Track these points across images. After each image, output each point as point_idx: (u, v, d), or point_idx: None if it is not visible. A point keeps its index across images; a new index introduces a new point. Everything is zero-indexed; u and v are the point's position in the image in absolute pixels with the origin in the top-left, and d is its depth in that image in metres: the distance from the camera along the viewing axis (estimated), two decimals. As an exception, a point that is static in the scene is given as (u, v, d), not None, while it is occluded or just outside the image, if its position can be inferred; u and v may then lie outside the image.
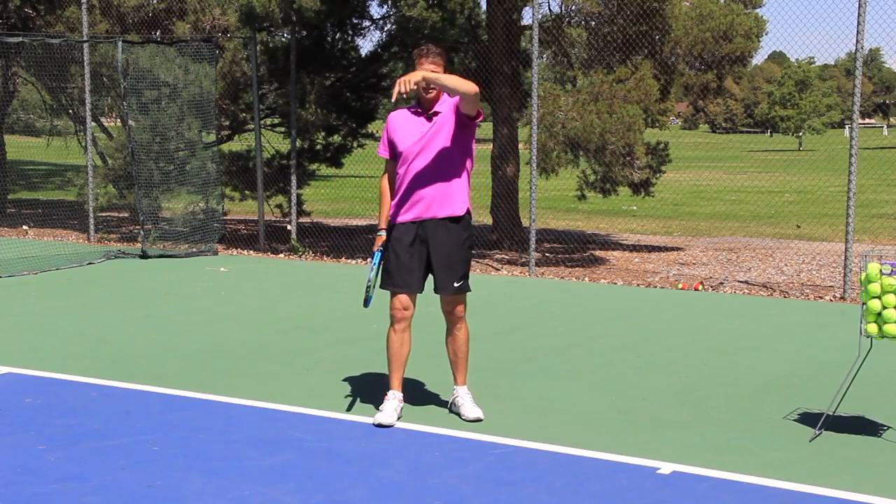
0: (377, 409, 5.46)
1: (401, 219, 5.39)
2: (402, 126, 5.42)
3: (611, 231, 16.27)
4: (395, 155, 5.45)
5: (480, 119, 5.40)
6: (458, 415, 5.48)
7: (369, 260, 5.52)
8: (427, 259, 5.39)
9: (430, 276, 5.47)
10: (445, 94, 5.39)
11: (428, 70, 5.25)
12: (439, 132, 5.33)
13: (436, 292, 5.46)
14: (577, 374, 6.53)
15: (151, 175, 12.63)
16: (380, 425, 5.32)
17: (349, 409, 5.64)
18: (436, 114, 5.36)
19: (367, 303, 5.47)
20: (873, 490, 4.41)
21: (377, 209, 5.69)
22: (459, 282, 5.42)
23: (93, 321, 8.20)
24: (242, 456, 4.83)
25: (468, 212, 5.46)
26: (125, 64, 12.47)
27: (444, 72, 5.32)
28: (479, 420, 5.40)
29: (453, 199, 5.37)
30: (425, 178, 5.32)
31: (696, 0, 12.39)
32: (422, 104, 5.41)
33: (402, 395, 5.49)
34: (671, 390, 6.13)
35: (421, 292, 5.45)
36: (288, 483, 4.47)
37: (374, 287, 5.43)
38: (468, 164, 5.45)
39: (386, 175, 5.56)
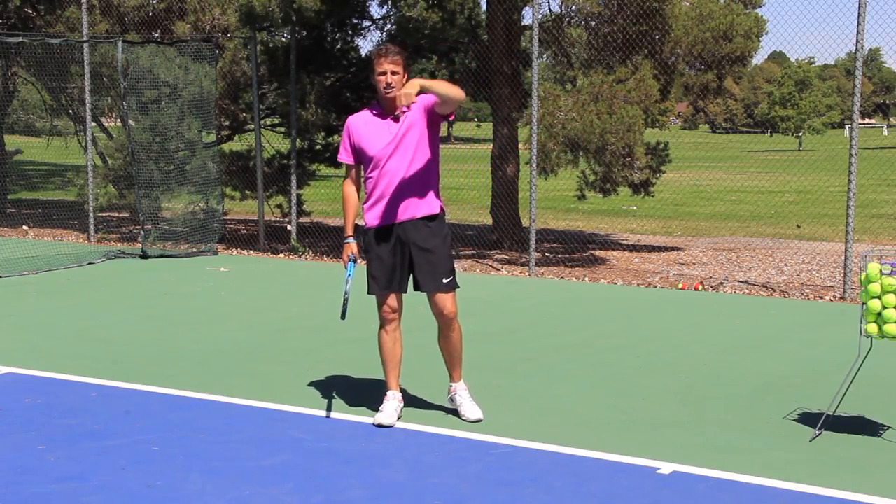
0: (377, 409, 5.47)
1: (378, 223, 5.34)
2: (368, 129, 5.35)
3: (611, 231, 16.27)
4: (359, 160, 5.40)
5: (452, 117, 5.39)
6: (457, 414, 5.48)
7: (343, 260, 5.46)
8: (409, 260, 5.34)
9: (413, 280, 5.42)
10: None
11: (388, 69, 5.21)
12: (409, 133, 5.28)
13: (421, 290, 5.38)
14: (577, 374, 6.53)
15: (151, 175, 12.63)
16: (380, 426, 5.32)
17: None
18: (402, 113, 5.30)
19: (343, 315, 5.37)
20: (873, 490, 4.41)
21: None
22: (448, 278, 5.35)
23: (93, 321, 8.20)
24: (242, 456, 4.83)
25: (442, 209, 5.44)
26: (125, 64, 12.47)
27: (404, 70, 5.27)
28: (479, 421, 5.39)
29: (429, 198, 5.35)
30: (400, 179, 5.28)
31: (696, 0, 12.39)
32: (384, 105, 5.34)
33: (400, 395, 5.50)
34: (671, 390, 6.13)
35: (405, 292, 5.42)
36: (288, 483, 4.47)
37: (349, 299, 5.33)
38: (437, 161, 5.43)
39: (349, 180, 5.47)
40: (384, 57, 5.23)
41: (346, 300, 5.32)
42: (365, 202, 5.41)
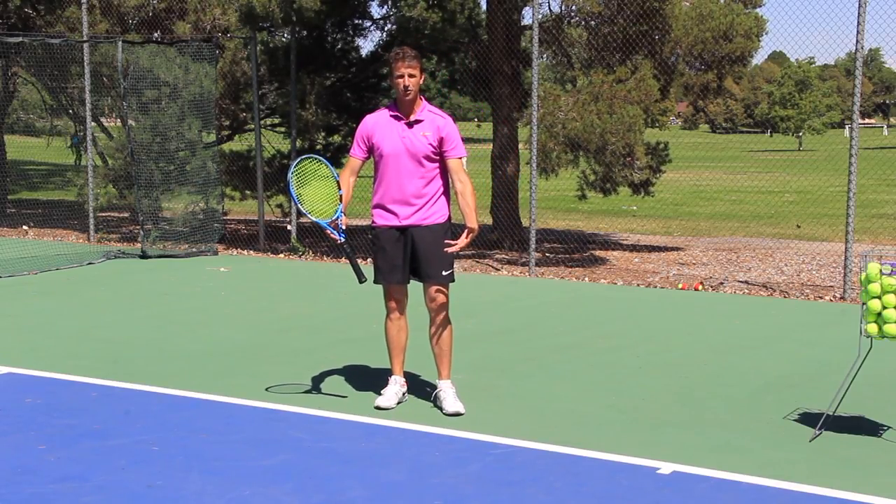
0: (377, 409, 5.51)
1: (384, 223, 5.51)
2: (382, 128, 5.48)
3: (611, 231, 16.27)
4: (370, 156, 5.55)
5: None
6: (440, 409, 5.54)
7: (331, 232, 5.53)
8: (413, 252, 5.48)
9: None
10: (425, 102, 5.49)
11: (406, 73, 5.34)
12: (420, 140, 5.42)
13: (423, 280, 5.52)
14: (577, 374, 6.53)
15: (151, 175, 12.62)
16: (378, 408, 5.46)
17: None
18: (418, 122, 5.44)
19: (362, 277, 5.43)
20: (873, 490, 4.41)
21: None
22: (447, 270, 5.51)
23: (93, 321, 8.20)
24: (242, 456, 4.83)
25: (449, 218, 5.57)
26: (125, 64, 12.47)
27: (420, 72, 5.42)
28: (458, 414, 5.44)
29: (436, 206, 5.49)
30: (407, 182, 5.42)
31: (696, 0, 12.39)
32: (401, 107, 5.48)
33: (403, 380, 5.65)
34: (671, 390, 6.13)
35: (408, 283, 5.58)
36: (288, 483, 4.47)
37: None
38: (445, 172, 5.53)
39: (347, 171, 5.56)
40: (401, 61, 5.37)
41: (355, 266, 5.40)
42: (373, 199, 5.56)
